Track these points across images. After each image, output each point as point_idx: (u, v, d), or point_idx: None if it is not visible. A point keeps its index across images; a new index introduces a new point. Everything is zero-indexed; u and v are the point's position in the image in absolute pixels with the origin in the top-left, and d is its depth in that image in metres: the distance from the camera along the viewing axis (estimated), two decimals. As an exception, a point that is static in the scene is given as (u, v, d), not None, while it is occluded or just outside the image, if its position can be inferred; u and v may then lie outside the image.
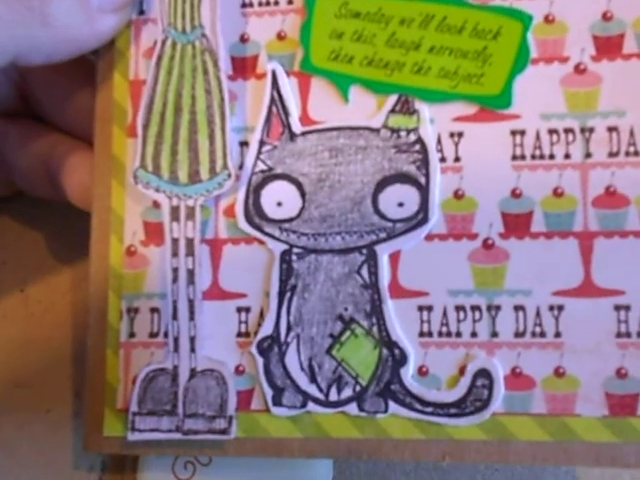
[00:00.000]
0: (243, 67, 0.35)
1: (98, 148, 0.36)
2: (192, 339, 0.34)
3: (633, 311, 0.32)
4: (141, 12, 0.36)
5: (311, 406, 0.33)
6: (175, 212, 0.34)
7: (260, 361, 0.34)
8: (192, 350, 0.34)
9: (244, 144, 0.35)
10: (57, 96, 0.37)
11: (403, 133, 0.34)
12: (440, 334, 0.33)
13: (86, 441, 0.35)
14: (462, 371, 0.33)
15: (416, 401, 0.33)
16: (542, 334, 0.32)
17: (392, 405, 0.33)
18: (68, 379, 0.39)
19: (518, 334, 0.32)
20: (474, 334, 0.33)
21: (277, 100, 0.35)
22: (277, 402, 0.33)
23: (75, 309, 0.40)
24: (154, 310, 0.35)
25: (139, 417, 0.34)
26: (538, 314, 0.32)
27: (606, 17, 0.33)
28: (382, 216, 0.33)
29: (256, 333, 0.34)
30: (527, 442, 0.32)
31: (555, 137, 0.33)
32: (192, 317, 0.34)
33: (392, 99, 0.34)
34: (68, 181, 0.37)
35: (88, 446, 0.35)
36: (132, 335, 0.35)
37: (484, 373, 0.32)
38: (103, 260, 0.35)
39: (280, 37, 0.35)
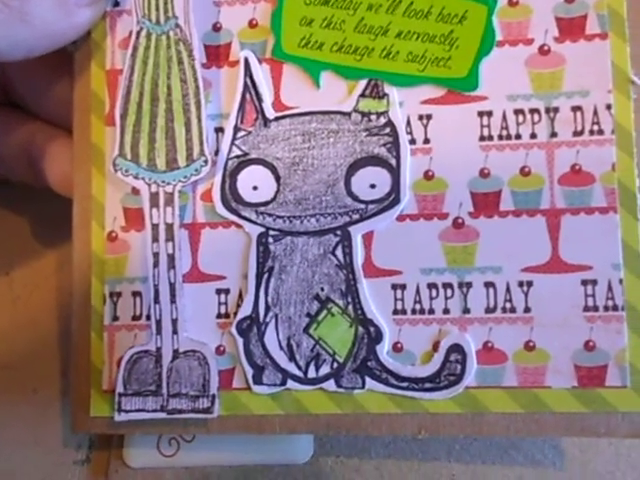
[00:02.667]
0: (216, 55, 0.32)
1: (77, 137, 0.33)
2: (174, 321, 0.31)
3: (600, 285, 0.30)
4: (116, 4, 0.33)
5: (290, 383, 0.31)
6: (154, 198, 0.32)
7: (240, 341, 0.31)
8: (174, 332, 0.31)
9: (219, 130, 0.32)
10: (36, 87, 0.34)
11: (373, 116, 0.31)
12: (414, 311, 0.31)
13: (74, 422, 0.32)
14: (435, 347, 0.30)
15: (392, 377, 0.30)
16: (512, 309, 0.30)
17: (369, 381, 0.30)
18: (54, 359, 0.36)
19: (489, 310, 0.30)
20: (446, 311, 0.30)
21: (250, 87, 0.32)
22: (257, 380, 0.31)
23: (60, 291, 0.37)
24: (136, 294, 0.32)
25: (125, 398, 0.31)
26: (508, 290, 0.30)
27: (569, -1, 0.31)
28: (355, 198, 0.31)
29: (235, 314, 0.31)
30: (500, 414, 0.30)
31: (521, 117, 0.30)
32: (173, 300, 0.31)
33: (362, 83, 0.31)
34: (49, 169, 0.34)
35: (76, 426, 0.32)
36: (115, 318, 0.32)
37: (457, 348, 0.30)
38: (85, 246, 0.33)
39: (252, 25, 0.32)
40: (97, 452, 0.36)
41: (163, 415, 0.31)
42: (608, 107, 0.30)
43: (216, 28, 0.32)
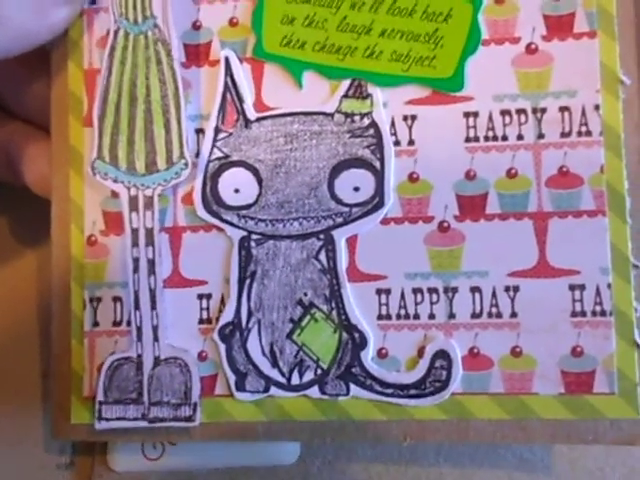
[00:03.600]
0: (196, 54, 0.30)
1: (55, 138, 0.31)
2: (155, 328, 0.30)
3: (588, 290, 0.28)
4: (93, 2, 0.31)
5: (274, 390, 0.29)
6: (134, 202, 0.30)
7: (222, 347, 0.30)
8: (155, 339, 0.30)
9: (200, 132, 0.30)
10: (14, 86, 0.33)
11: (357, 117, 0.29)
12: (398, 317, 0.29)
13: (54, 428, 0.31)
14: (421, 353, 0.29)
15: (377, 383, 0.29)
16: (498, 315, 0.29)
17: (353, 387, 0.29)
18: (34, 361, 0.35)
19: (475, 315, 0.29)
20: (432, 316, 0.29)
21: (231, 87, 0.30)
22: (240, 387, 0.29)
23: (40, 292, 0.35)
24: (116, 299, 0.30)
25: (105, 406, 0.30)
26: (494, 295, 0.29)
27: (557, -4, 0.29)
28: (338, 201, 0.29)
29: (218, 319, 0.30)
30: (486, 421, 0.28)
31: (508, 118, 0.29)
32: (154, 306, 0.30)
33: (345, 84, 0.29)
34: (27, 170, 0.32)
35: (56, 433, 0.31)
36: (96, 324, 0.31)
37: (442, 354, 0.29)
38: (64, 250, 0.31)
39: (232, 23, 0.30)
40: (80, 456, 0.34)
41: (144, 424, 0.29)
42: (596, 107, 0.28)
43: (196, 27, 0.31)
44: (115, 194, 0.30)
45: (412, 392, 0.29)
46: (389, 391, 0.29)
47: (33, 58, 0.31)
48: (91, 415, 0.30)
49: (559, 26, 0.29)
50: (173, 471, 0.33)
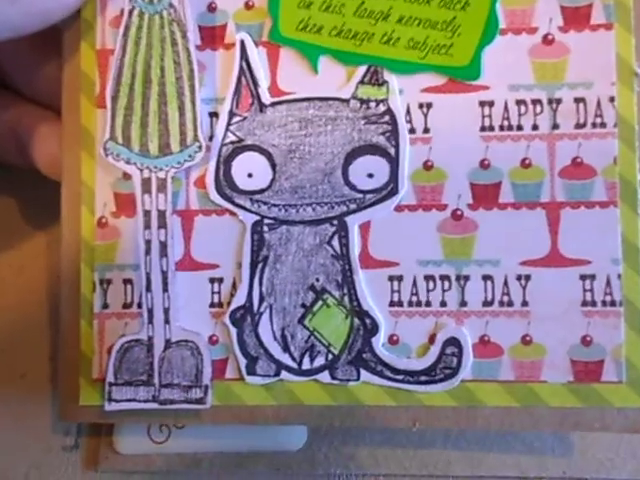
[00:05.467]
0: (211, 37, 0.29)
1: (66, 119, 0.29)
2: (166, 310, 0.28)
3: (598, 280, 0.27)
4: (107, -21, 0.29)
5: (284, 374, 0.28)
6: (146, 184, 0.28)
7: (234, 331, 0.28)
8: (166, 321, 0.28)
9: (214, 115, 0.28)
10: (25, 67, 0.31)
11: (372, 104, 0.28)
12: (410, 303, 0.28)
13: (62, 411, 0.29)
14: (432, 340, 0.28)
15: (387, 369, 0.28)
16: (510, 303, 0.27)
17: (364, 373, 0.28)
18: (42, 343, 0.33)
19: (486, 303, 0.27)
20: (443, 303, 0.28)
21: (246, 71, 0.28)
22: (251, 371, 0.28)
23: (49, 273, 0.34)
24: (127, 281, 0.29)
25: (115, 387, 0.28)
26: (506, 283, 0.27)
27: (575, -13, 0.28)
28: (352, 187, 0.28)
29: (229, 303, 0.28)
30: (495, 408, 0.27)
31: (523, 108, 0.28)
32: (166, 288, 0.28)
33: (361, 70, 0.28)
34: (37, 152, 0.31)
35: (64, 415, 0.29)
36: (105, 306, 0.29)
37: (453, 341, 0.27)
38: (74, 232, 0.29)
39: (248, 6, 0.29)
40: (86, 438, 0.32)
41: (155, 405, 0.28)
42: (611, 99, 0.27)
43: (211, 9, 0.29)
44: (127, 176, 0.29)
45: (422, 378, 0.27)
46: (399, 377, 0.27)
47: (43, 39, 0.29)
48: (100, 397, 0.29)
49: (576, 17, 0.27)
50: (179, 454, 0.32)
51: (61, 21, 0.28)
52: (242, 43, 0.28)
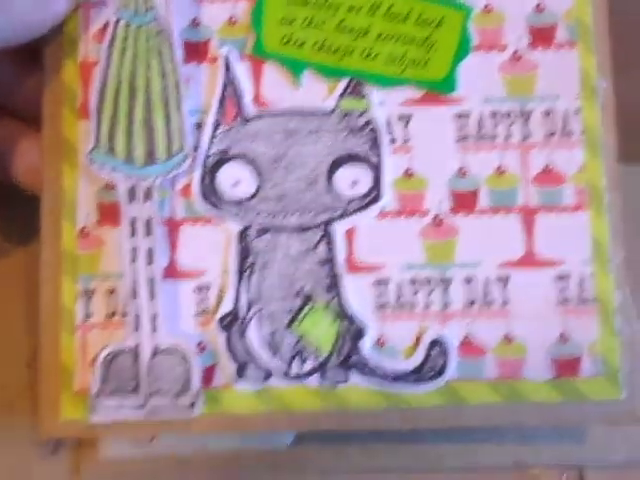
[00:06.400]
0: (196, 51, 0.29)
1: (47, 131, 0.28)
2: (153, 318, 0.27)
3: (572, 279, 0.28)
4: (89, -7, 0.29)
5: (273, 380, 0.27)
6: (132, 192, 0.28)
7: (222, 337, 0.27)
8: (153, 329, 0.27)
9: (199, 126, 0.28)
10: (4, 80, 0.30)
11: (354, 116, 0.28)
12: (396, 307, 0.28)
13: (43, 426, 0.27)
14: (418, 341, 0.28)
15: (375, 371, 0.27)
16: (490, 304, 0.28)
17: (352, 376, 0.27)
18: (20, 352, 0.31)
19: (468, 304, 0.28)
20: (428, 306, 0.28)
21: (230, 83, 0.28)
22: (240, 377, 0.27)
23: (27, 289, 0.32)
24: (111, 291, 0.28)
25: (101, 398, 0.27)
26: (486, 285, 0.28)
27: (539, 9, 0.29)
28: (336, 195, 0.28)
29: (216, 310, 0.27)
30: (479, 405, 0.27)
31: (496, 119, 0.29)
32: (152, 296, 0.27)
33: (343, 83, 0.28)
34: (17, 164, 0.29)
35: (44, 431, 0.28)
36: (88, 316, 0.28)
37: (438, 343, 0.27)
38: (55, 244, 0.28)
39: (231, 22, 0.29)
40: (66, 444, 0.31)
41: (142, 414, 0.27)
42: (577, 111, 0.28)
43: (195, 24, 0.29)
44: (111, 185, 0.28)
45: (409, 379, 0.27)
46: (387, 379, 0.27)
47: (24, 52, 0.29)
48: (82, 410, 0.27)
49: (542, 36, 0.29)
50: (164, 456, 0.30)
51: (44, 34, 0.28)
52: (226, 57, 0.29)
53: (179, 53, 0.28)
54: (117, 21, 0.28)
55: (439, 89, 0.28)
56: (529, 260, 0.28)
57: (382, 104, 0.28)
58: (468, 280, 0.28)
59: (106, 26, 0.28)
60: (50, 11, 0.27)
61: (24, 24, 0.27)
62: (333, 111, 0.28)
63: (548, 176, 0.28)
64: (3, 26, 0.26)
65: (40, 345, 0.28)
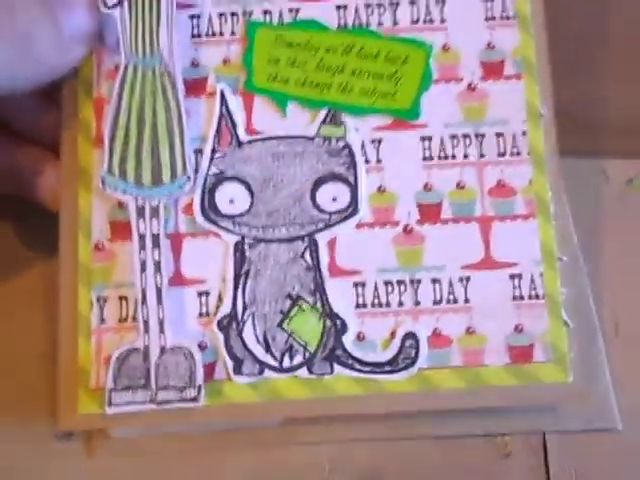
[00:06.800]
0: (195, 87, 0.33)
1: (65, 158, 0.32)
2: (161, 321, 0.31)
3: (524, 279, 0.32)
4: (101, 41, 0.33)
5: (267, 373, 0.31)
6: (141, 211, 0.31)
7: (221, 336, 0.31)
8: (161, 331, 0.31)
9: (199, 152, 0.32)
10: (25, 114, 0.34)
11: (333, 140, 0.32)
12: (373, 305, 0.32)
13: (61, 419, 0.31)
14: (393, 335, 0.31)
15: (357, 362, 0.31)
16: (455, 301, 0.32)
17: (337, 367, 0.31)
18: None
19: (436, 302, 0.32)
20: (401, 304, 0.32)
21: (225, 115, 0.33)
22: (237, 371, 0.31)
23: (45, 299, 0.35)
24: (122, 298, 0.31)
25: (115, 392, 0.30)
26: (451, 285, 0.32)
27: (490, 46, 0.33)
28: (320, 209, 0.32)
29: (216, 313, 0.31)
30: (448, 390, 0.31)
31: (455, 141, 0.33)
32: (160, 302, 0.31)
33: (323, 113, 0.32)
34: (39, 187, 0.33)
35: (63, 424, 0.31)
36: (102, 321, 0.31)
37: (411, 335, 0.31)
38: (72, 256, 0.31)
39: (226, 62, 0.33)
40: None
41: (153, 406, 0.30)
42: (524, 133, 0.33)
43: (194, 64, 0.33)
44: (122, 205, 0.32)
45: (387, 369, 0.31)
46: (367, 369, 0.31)
47: (44, 90, 0.32)
48: (98, 405, 0.31)
49: (493, 69, 0.33)
50: (168, 433, 0.33)
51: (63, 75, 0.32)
52: (222, 92, 0.33)
53: (181, 90, 0.32)
54: (126, 64, 0.32)
55: (405, 116, 0.33)
56: (487, 263, 0.32)
57: (357, 130, 0.33)
58: (435, 281, 0.32)
59: (117, 68, 0.32)
60: (70, 56, 0.31)
61: (50, 69, 0.31)
62: (315, 137, 0.32)
63: (502, 190, 0.32)
64: (29, 73, 0.30)
65: (58, 349, 0.31)
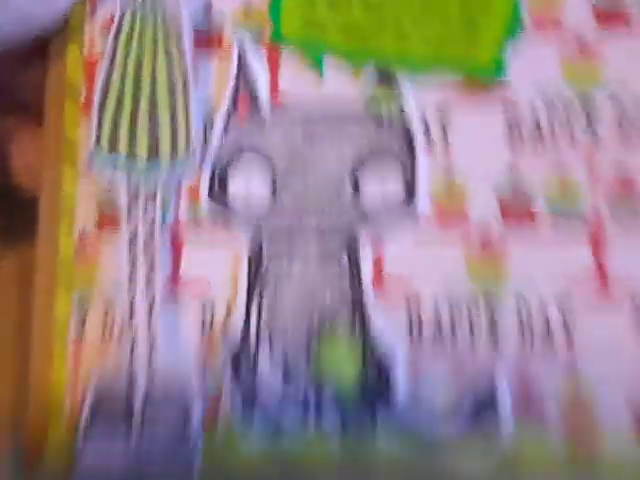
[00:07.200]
0: (207, 39, 0.25)
1: (49, 128, 0.26)
2: (151, 342, 0.23)
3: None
4: (94, -18, 0.26)
5: (285, 424, 0.23)
6: (134, 195, 0.24)
7: (228, 366, 0.23)
8: (150, 355, 0.23)
9: (208, 122, 0.25)
10: (6, 76, 0.28)
11: (384, 108, 0.24)
12: (432, 334, 0.23)
13: (26, 463, 0.24)
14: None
15: (408, 413, 0.23)
16: (550, 340, 0.23)
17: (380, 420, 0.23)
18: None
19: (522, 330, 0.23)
20: (471, 331, 0.23)
21: (244, 75, 0.25)
22: (247, 419, 0.22)
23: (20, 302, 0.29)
24: (108, 305, 0.24)
25: (89, 441, 0.23)
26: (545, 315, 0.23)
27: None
28: (362, 198, 0.24)
29: (223, 331, 0.23)
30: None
31: (554, 111, 0.24)
32: (151, 314, 0.23)
33: (371, 70, 0.25)
34: (15, 164, 0.27)
35: (29, 468, 0.24)
36: (82, 334, 0.24)
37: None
38: (52, 251, 0.25)
39: (247, 6, 0.26)
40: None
41: (132, 461, 0.23)
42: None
43: (207, 9, 0.26)
44: (112, 187, 0.25)
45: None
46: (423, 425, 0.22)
47: (28, 45, 0.26)
48: (69, 453, 0.23)
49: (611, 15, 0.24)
50: None
51: (50, 29, 0.25)
52: (240, 46, 0.25)
53: (188, 42, 0.25)
54: (124, 10, 0.25)
55: (485, 74, 0.24)
56: (599, 285, 0.23)
57: (417, 94, 0.24)
58: (518, 299, 0.23)
59: (113, 18, 0.25)
60: (55, 5, 0.24)
61: (29, 20, 0.24)
62: (360, 103, 0.24)
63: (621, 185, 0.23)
64: (11, 23, 0.24)
65: (31, 360, 0.24)
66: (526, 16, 0.24)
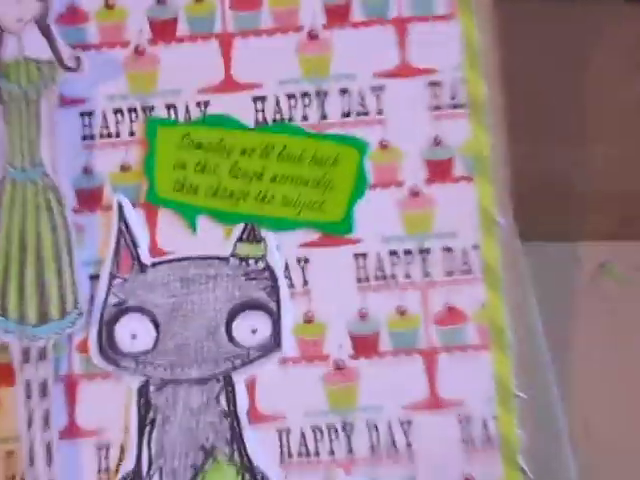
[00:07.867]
0: (88, 199, 0.27)
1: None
2: (51, 486, 0.26)
3: (475, 420, 0.27)
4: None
5: None
6: (26, 353, 0.26)
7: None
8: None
9: (94, 278, 0.27)
10: None
11: (251, 261, 0.27)
12: (300, 455, 0.27)
13: None
14: (323, 491, 0.27)
15: (281, 525, 0.27)
16: (394, 448, 0.27)
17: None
18: None
19: (373, 449, 0.27)
20: (332, 452, 0.27)
21: (125, 232, 0.27)
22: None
23: None
24: (9, 454, 0.27)
25: None
26: (390, 428, 0.27)
27: (436, 142, 0.27)
28: (236, 343, 0.27)
29: (117, 470, 0.26)
30: None
31: (396, 259, 0.27)
32: (49, 462, 0.26)
33: (239, 228, 0.27)
34: None
35: None
36: (-12, 480, 0.27)
37: (344, 491, 0.27)
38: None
39: (124, 169, 0.27)
40: None
41: None
42: (475, 247, 0.27)
43: (87, 171, 0.27)
44: (5, 346, 0.27)
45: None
46: (294, 532, 0.26)
47: None
48: None
49: (439, 170, 0.27)
50: None
51: None
52: (120, 205, 0.27)
53: (70, 205, 0.27)
54: (3, 179, 0.26)
55: (336, 231, 0.27)
56: (432, 402, 0.27)
57: (279, 247, 0.27)
58: (371, 424, 0.27)
59: (-6, 185, 0.27)
60: None
61: None
62: (230, 257, 0.27)
63: (450, 315, 0.27)
64: None
65: None
66: (371, 176, 0.27)
